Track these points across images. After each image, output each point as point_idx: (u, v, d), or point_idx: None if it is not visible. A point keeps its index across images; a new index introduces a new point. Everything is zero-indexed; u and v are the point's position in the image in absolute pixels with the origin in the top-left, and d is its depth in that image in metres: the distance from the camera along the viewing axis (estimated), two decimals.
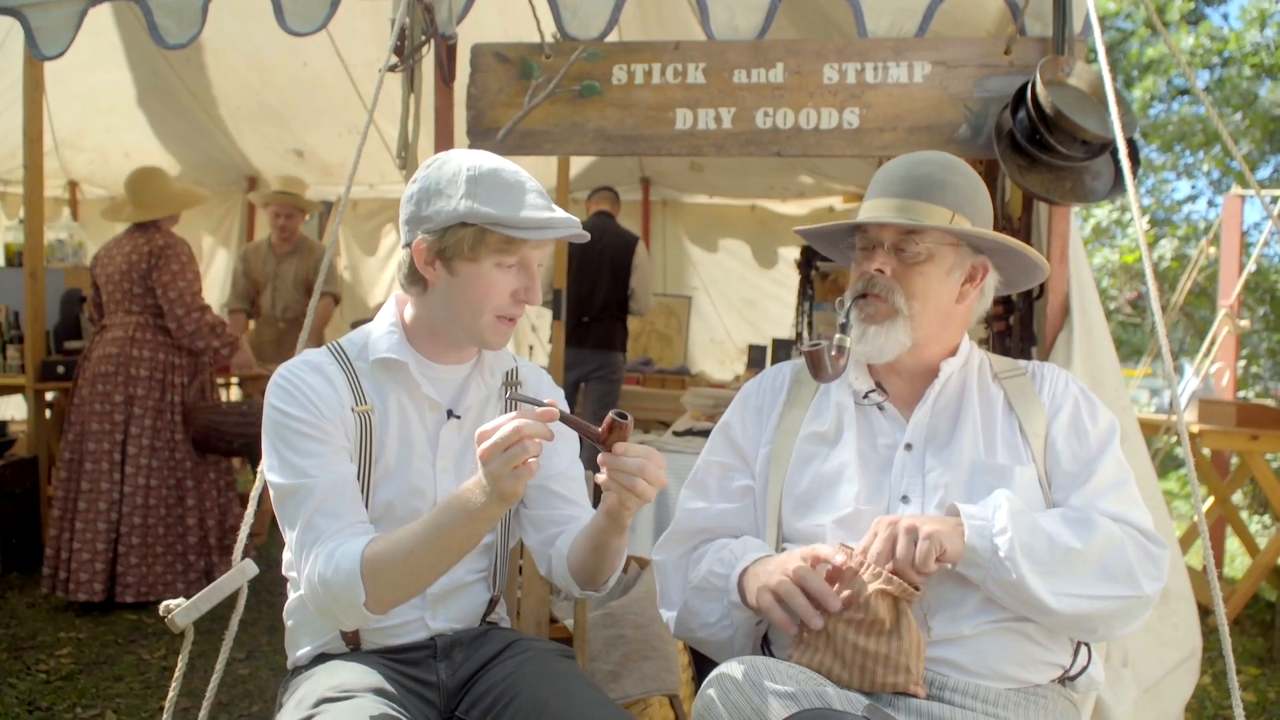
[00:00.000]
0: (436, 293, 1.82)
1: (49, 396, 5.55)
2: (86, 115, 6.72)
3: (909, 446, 1.85)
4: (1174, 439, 5.09)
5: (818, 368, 1.84)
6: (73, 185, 7.97)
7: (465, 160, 1.78)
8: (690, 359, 8.06)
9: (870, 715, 1.47)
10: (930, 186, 1.82)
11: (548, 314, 6.64)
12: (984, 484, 1.77)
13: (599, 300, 5.75)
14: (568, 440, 2.07)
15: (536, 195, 1.77)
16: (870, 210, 1.86)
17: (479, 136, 2.78)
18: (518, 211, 1.73)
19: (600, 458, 1.63)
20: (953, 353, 1.91)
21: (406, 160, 2.81)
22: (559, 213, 1.77)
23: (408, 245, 1.82)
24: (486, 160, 1.78)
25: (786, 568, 1.68)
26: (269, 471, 1.80)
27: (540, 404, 1.59)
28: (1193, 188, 11.56)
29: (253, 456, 4.63)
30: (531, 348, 7.14)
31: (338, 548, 1.72)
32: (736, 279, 8.27)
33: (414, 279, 1.83)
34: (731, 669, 1.57)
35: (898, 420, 1.87)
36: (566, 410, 1.65)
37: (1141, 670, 2.71)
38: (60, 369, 5.26)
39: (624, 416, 1.60)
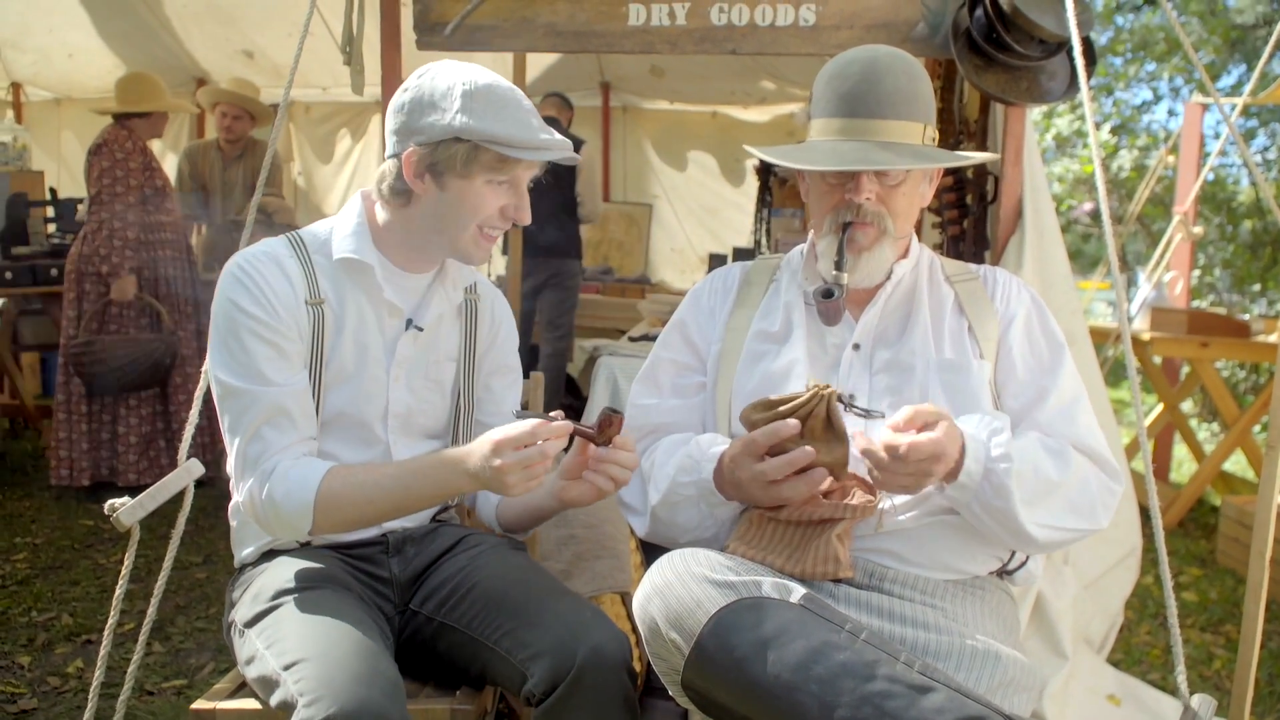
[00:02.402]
0: (422, 205, 1.78)
1: None
2: (28, 14, 6.46)
3: (856, 347, 1.85)
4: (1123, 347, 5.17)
5: (834, 315, 1.82)
6: (16, 87, 7.71)
7: (460, 73, 1.73)
8: (651, 268, 8.02)
9: (807, 604, 1.49)
10: (900, 101, 1.75)
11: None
12: (941, 381, 1.78)
13: (544, 207, 5.62)
14: (513, 380, 2.08)
15: (530, 115, 1.75)
16: (835, 130, 1.78)
17: (426, 31, 2.70)
18: (513, 130, 1.71)
19: (597, 453, 1.68)
20: (904, 254, 1.90)
21: (351, 56, 2.73)
22: (554, 135, 1.75)
23: (395, 156, 1.76)
24: (481, 75, 1.74)
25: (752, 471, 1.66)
26: (215, 367, 1.76)
27: (549, 419, 1.62)
28: (1152, 94, 11.48)
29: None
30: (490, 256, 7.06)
31: (291, 470, 1.72)
32: (698, 187, 8.19)
33: (399, 190, 1.78)
34: (670, 561, 1.59)
35: (847, 320, 1.87)
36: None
37: (1082, 567, 2.78)
38: (8, 275, 5.15)
39: (615, 411, 1.66)
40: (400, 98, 1.77)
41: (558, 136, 1.76)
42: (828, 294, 1.79)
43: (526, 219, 1.82)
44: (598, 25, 2.70)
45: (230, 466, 1.79)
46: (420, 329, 1.88)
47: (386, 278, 1.84)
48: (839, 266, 1.78)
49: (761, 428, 1.64)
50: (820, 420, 1.61)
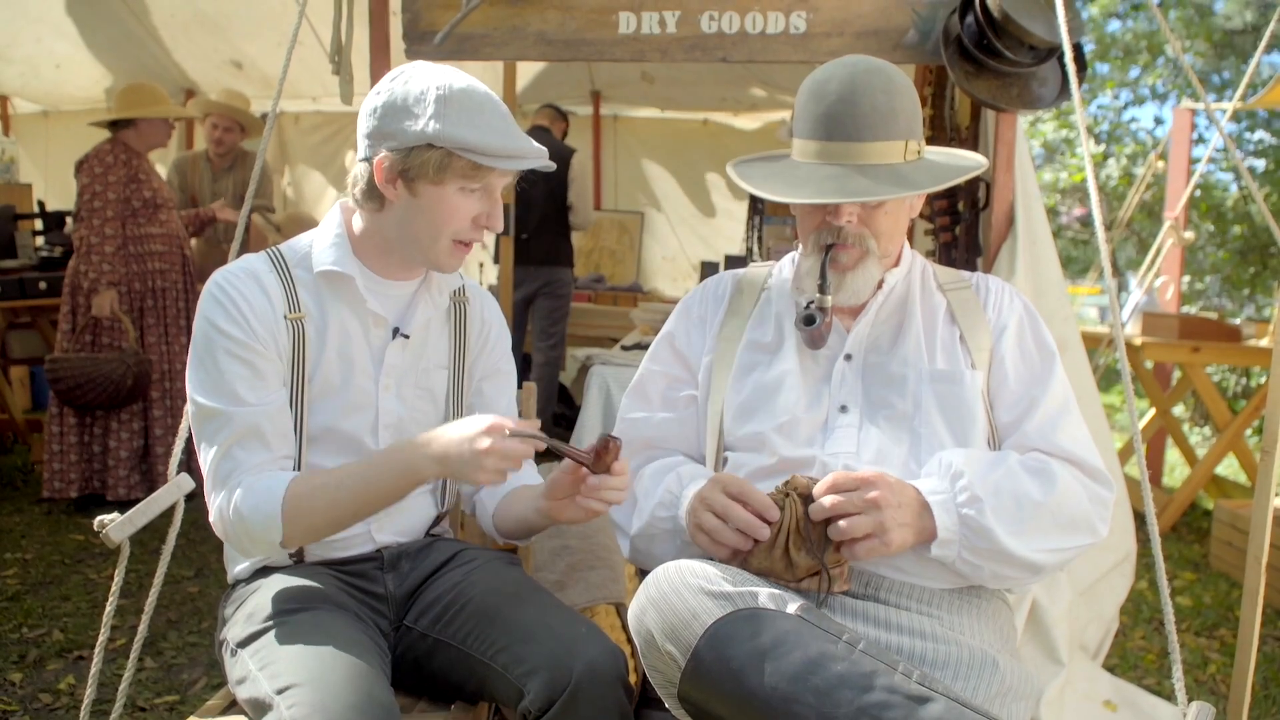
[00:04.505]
0: (394, 211, 1.76)
1: None
2: (15, 25, 6.43)
3: (848, 357, 1.84)
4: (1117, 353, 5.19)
5: (817, 340, 1.81)
6: (3, 99, 7.68)
7: (434, 77, 1.70)
8: (643, 276, 8.02)
9: (804, 615, 1.48)
10: (879, 121, 1.72)
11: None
12: (933, 392, 1.77)
13: (536, 215, 5.63)
14: (505, 383, 2.05)
15: (506, 121, 1.72)
16: (813, 153, 1.76)
17: (415, 40, 2.69)
18: (488, 137, 1.68)
19: (592, 480, 1.64)
20: (896, 263, 1.89)
21: (340, 66, 2.72)
22: (528, 142, 1.73)
23: (367, 160, 1.74)
24: (456, 79, 1.71)
25: (713, 507, 1.67)
26: (191, 386, 1.75)
27: (532, 435, 1.59)
28: (1131, 95, 11.50)
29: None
30: (481, 264, 7.05)
31: (256, 483, 1.69)
32: (689, 194, 8.18)
33: (371, 195, 1.76)
34: (665, 573, 1.57)
35: (839, 331, 1.86)
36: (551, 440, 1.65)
37: (1077, 573, 2.78)
38: None
39: (613, 437, 1.62)
40: (373, 101, 1.73)
41: (534, 144, 1.74)
42: (809, 320, 1.78)
43: (499, 227, 1.80)
44: (588, 34, 2.69)
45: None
46: (407, 336, 1.87)
47: (369, 288, 1.83)
48: (822, 290, 1.78)
49: (738, 515, 1.63)
50: (799, 519, 1.62)
